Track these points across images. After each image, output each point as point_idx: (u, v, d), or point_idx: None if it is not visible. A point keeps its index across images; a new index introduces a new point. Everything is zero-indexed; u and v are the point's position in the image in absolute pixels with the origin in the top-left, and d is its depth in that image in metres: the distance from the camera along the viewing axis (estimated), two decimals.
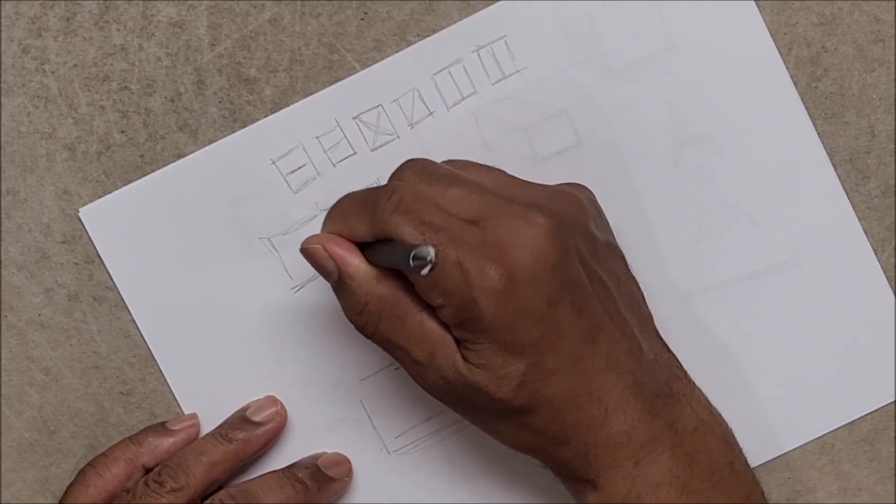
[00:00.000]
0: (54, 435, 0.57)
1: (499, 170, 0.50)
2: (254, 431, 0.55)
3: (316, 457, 0.56)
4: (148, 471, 0.55)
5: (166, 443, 0.55)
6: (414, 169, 0.47)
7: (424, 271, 0.42)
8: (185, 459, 0.54)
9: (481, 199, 0.46)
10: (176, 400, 0.57)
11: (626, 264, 0.51)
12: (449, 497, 0.57)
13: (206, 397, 0.56)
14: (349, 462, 0.56)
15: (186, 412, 0.57)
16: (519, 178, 0.50)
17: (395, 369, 0.56)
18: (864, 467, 0.57)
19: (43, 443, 0.57)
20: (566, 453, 0.47)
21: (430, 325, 0.47)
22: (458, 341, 0.46)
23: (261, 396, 0.56)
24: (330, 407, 0.57)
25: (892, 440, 0.57)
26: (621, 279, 0.50)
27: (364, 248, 0.48)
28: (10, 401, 0.57)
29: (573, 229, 0.47)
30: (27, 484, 0.57)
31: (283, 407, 0.56)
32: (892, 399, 0.57)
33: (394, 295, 0.47)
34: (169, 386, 0.56)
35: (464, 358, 0.46)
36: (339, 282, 0.48)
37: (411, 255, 0.42)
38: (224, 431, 0.55)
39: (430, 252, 0.42)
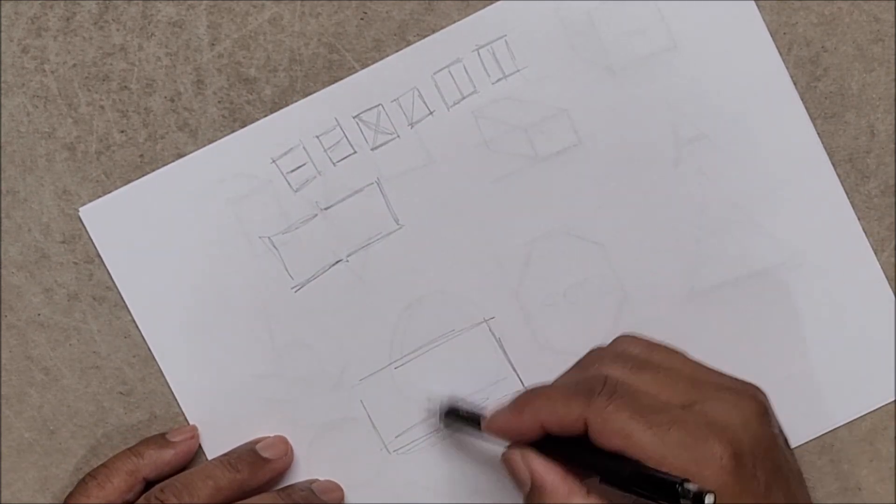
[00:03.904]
0: (54, 435, 0.57)
1: (679, 350, 0.51)
2: (262, 467, 0.55)
3: (310, 482, 0.56)
4: (148, 483, 0.55)
5: (167, 455, 0.55)
6: (614, 357, 0.49)
7: None
8: (191, 481, 0.54)
9: (689, 384, 0.47)
10: (176, 400, 0.56)
11: (797, 461, 0.51)
12: (449, 497, 0.57)
13: (206, 397, 0.56)
14: (342, 490, 0.57)
15: (186, 412, 0.56)
16: (701, 362, 0.50)
17: (395, 368, 0.56)
18: (864, 467, 0.57)
19: (43, 443, 0.57)
20: None
21: None
22: None
23: (268, 422, 0.57)
24: (330, 407, 0.57)
25: (892, 440, 0.57)
26: (799, 475, 0.50)
27: (578, 454, 0.48)
28: (10, 401, 0.57)
29: (773, 417, 0.48)
30: (27, 484, 0.57)
31: (291, 449, 0.56)
32: (892, 399, 0.57)
33: None
34: (169, 386, 0.56)
35: None
36: (532, 494, 0.48)
37: (685, 491, 0.42)
38: (233, 461, 0.55)
39: (710, 500, 0.42)
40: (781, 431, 0.49)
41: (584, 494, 0.47)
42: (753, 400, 0.47)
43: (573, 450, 0.48)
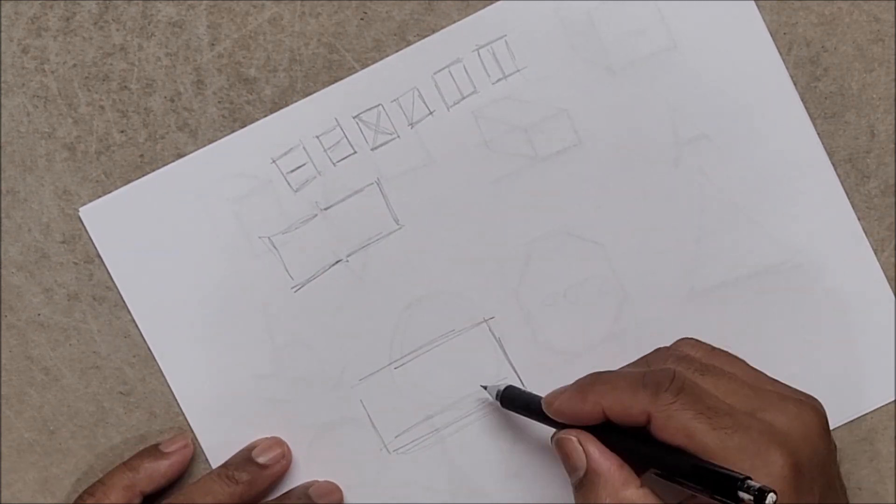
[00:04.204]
0: (54, 435, 0.57)
1: (740, 358, 0.51)
2: (259, 474, 0.55)
3: (307, 485, 0.56)
4: (146, 496, 0.55)
5: (162, 466, 0.55)
6: (679, 358, 0.49)
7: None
8: (191, 498, 0.54)
9: (753, 391, 0.48)
10: (176, 400, 0.56)
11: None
12: (449, 497, 0.57)
13: (206, 397, 0.56)
14: (340, 491, 0.57)
15: (186, 412, 0.56)
16: (761, 371, 0.50)
17: (395, 368, 0.56)
18: (864, 467, 0.57)
19: (43, 443, 0.57)
20: None
21: None
22: None
23: (267, 422, 0.57)
24: (330, 407, 0.57)
25: (892, 440, 0.57)
26: (846, 493, 0.51)
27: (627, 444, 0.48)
28: (10, 401, 0.57)
29: (829, 432, 0.48)
30: (27, 484, 0.57)
31: (288, 449, 0.56)
32: (892, 399, 0.57)
33: (638, 503, 0.47)
34: (169, 386, 0.56)
35: None
36: (585, 479, 0.48)
37: (747, 489, 0.43)
38: (230, 473, 0.55)
39: (772, 500, 0.42)
40: (835, 447, 0.49)
41: (637, 485, 0.47)
42: (815, 413, 0.47)
43: (628, 440, 0.48)
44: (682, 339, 0.52)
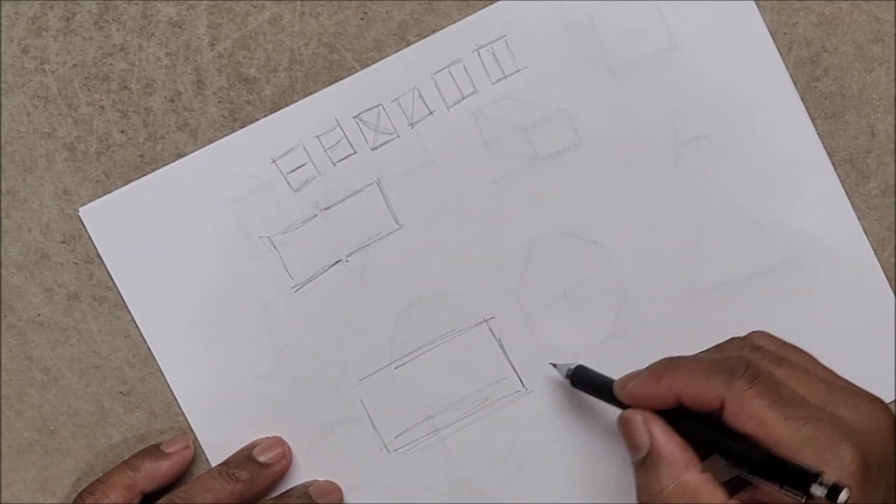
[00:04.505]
0: (54, 435, 0.57)
1: (810, 354, 0.51)
2: (259, 473, 0.55)
3: (307, 485, 0.56)
4: (146, 496, 0.55)
5: (163, 466, 0.55)
6: (754, 348, 0.49)
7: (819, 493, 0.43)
8: (191, 495, 0.54)
9: (825, 386, 0.48)
10: (176, 400, 0.57)
11: None
12: (449, 497, 0.57)
13: (206, 397, 0.56)
14: (340, 491, 0.57)
15: (186, 412, 0.56)
16: (831, 369, 0.50)
17: (395, 369, 0.56)
18: None
19: (43, 443, 0.57)
20: None
21: None
22: None
23: (267, 422, 0.57)
24: (330, 407, 0.57)
25: None
26: None
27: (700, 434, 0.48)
28: (10, 401, 0.57)
29: None
30: (27, 484, 0.57)
31: (289, 449, 0.56)
32: (893, 399, 0.57)
33: (698, 487, 0.47)
34: (169, 386, 0.56)
35: None
36: (647, 459, 0.48)
37: (821, 483, 0.43)
38: (231, 470, 0.55)
39: (845, 496, 0.42)
40: None
41: (700, 469, 0.47)
42: (887, 411, 0.47)
43: (697, 425, 0.48)
44: (755, 331, 0.52)
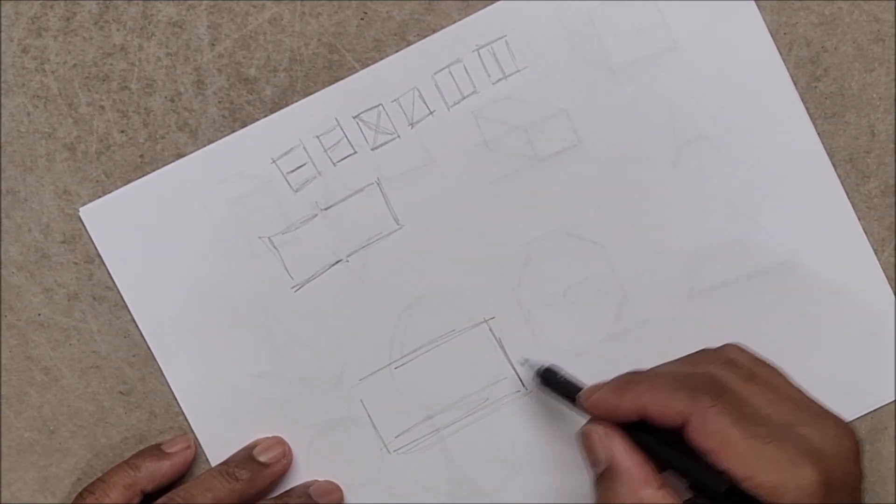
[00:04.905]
0: (54, 435, 0.57)
1: (783, 371, 0.50)
2: (259, 473, 0.55)
3: (307, 485, 0.56)
4: (146, 495, 0.55)
5: (164, 466, 0.55)
6: (724, 362, 0.48)
7: None
8: (191, 494, 0.54)
9: (794, 405, 0.47)
10: (176, 400, 0.57)
11: None
12: (449, 497, 0.57)
13: (206, 397, 0.56)
14: (341, 490, 0.57)
15: (186, 412, 0.56)
16: (802, 387, 0.50)
17: (395, 369, 0.56)
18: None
19: (43, 443, 0.57)
20: None
21: None
22: None
23: (267, 422, 0.57)
24: (330, 407, 0.57)
25: (892, 440, 0.57)
26: None
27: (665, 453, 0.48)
28: (10, 401, 0.57)
29: (862, 458, 0.48)
30: (27, 484, 0.57)
31: (289, 449, 0.56)
32: (892, 399, 0.57)
33: (656, 503, 0.47)
34: (169, 386, 0.56)
35: None
36: (605, 474, 0.48)
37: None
38: (231, 470, 0.55)
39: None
40: (864, 476, 0.49)
41: (658, 485, 0.47)
42: (853, 435, 0.47)
43: (659, 443, 0.48)
44: (729, 343, 0.52)
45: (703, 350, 0.51)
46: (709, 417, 0.45)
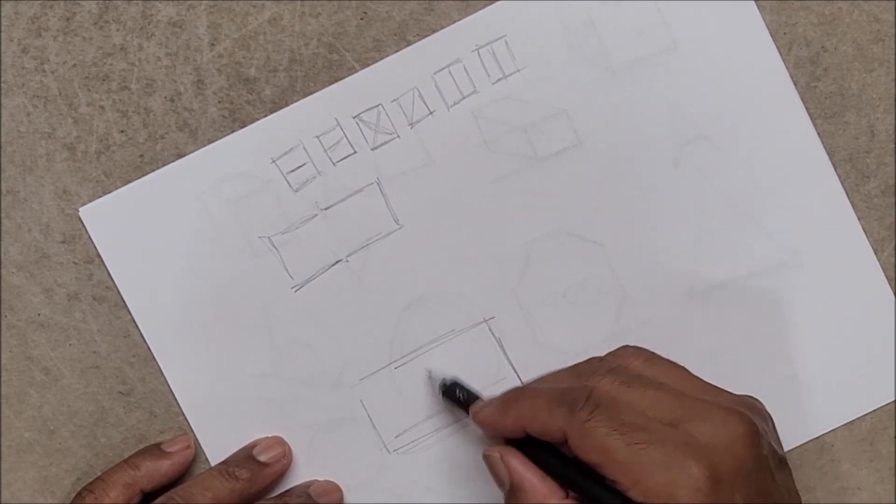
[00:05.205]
0: (54, 435, 0.57)
1: (680, 367, 0.50)
2: (259, 472, 0.55)
3: (307, 484, 0.56)
4: (146, 494, 0.55)
5: (164, 466, 0.55)
6: (608, 370, 0.48)
7: None
8: (191, 493, 0.54)
9: (679, 402, 0.47)
10: (176, 400, 0.56)
11: (793, 480, 0.51)
12: (449, 497, 0.57)
13: (206, 397, 0.56)
14: (341, 490, 0.57)
15: (186, 412, 0.56)
16: (701, 379, 0.50)
17: (395, 368, 0.56)
18: (863, 467, 0.57)
19: (42, 443, 0.57)
20: None
21: None
22: None
23: (267, 422, 0.57)
24: (330, 407, 0.57)
25: (892, 440, 0.57)
26: (791, 495, 0.50)
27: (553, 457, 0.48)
28: (10, 401, 0.57)
29: (763, 439, 0.48)
30: (27, 484, 0.57)
31: (289, 449, 0.56)
32: (892, 399, 0.57)
33: None
34: (169, 386, 0.56)
35: None
36: (511, 493, 0.49)
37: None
38: (231, 469, 0.55)
39: None
40: (774, 453, 0.48)
41: (562, 496, 0.47)
42: (742, 420, 0.46)
43: (552, 457, 0.48)
44: (623, 346, 0.52)
45: (591, 358, 0.51)
46: (586, 432, 0.46)
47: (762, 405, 0.50)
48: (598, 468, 0.46)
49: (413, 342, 0.56)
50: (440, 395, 0.55)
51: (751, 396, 0.50)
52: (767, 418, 0.49)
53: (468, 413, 0.53)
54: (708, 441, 0.45)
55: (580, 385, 0.48)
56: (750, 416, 0.47)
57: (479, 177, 0.56)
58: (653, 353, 0.51)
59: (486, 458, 0.50)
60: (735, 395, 0.49)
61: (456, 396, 0.54)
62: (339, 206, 0.56)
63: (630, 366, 0.49)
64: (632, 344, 0.52)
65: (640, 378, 0.48)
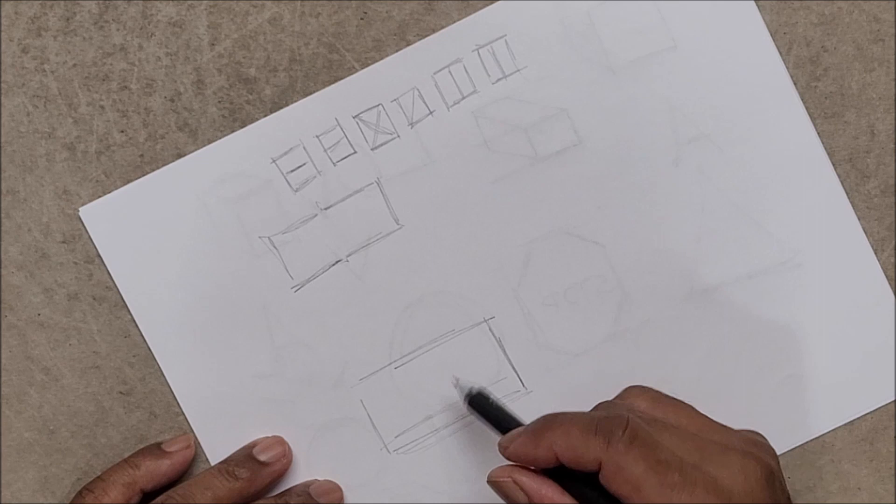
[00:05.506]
0: (54, 435, 0.57)
1: (688, 405, 0.50)
2: (259, 472, 0.55)
3: (307, 484, 0.56)
4: (146, 494, 0.55)
5: (164, 465, 0.55)
6: (629, 409, 0.48)
7: None
8: (190, 492, 0.54)
9: (695, 444, 0.47)
10: (176, 400, 0.56)
11: None
12: (449, 497, 0.57)
13: (206, 397, 0.56)
14: (340, 490, 0.57)
15: (186, 412, 0.56)
16: (708, 417, 0.50)
17: (395, 368, 0.56)
18: (864, 467, 0.57)
19: (43, 443, 0.57)
20: None
21: None
22: None
23: (267, 422, 0.57)
24: (330, 407, 0.57)
25: (892, 440, 0.57)
26: None
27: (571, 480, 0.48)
28: (10, 401, 0.57)
29: (777, 480, 0.48)
30: (27, 484, 0.57)
31: (289, 449, 0.56)
32: (892, 399, 0.57)
33: None
34: (169, 386, 0.56)
35: None
36: None
37: None
38: (231, 468, 0.55)
39: None
40: (784, 491, 0.49)
41: None
42: (759, 464, 0.47)
43: (581, 486, 0.48)
44: (629, 387, 0.52)
45: (599, 403, 0.51)
46: (623, 465, 0.46)
47: (766, 440, 0.50)
48: (626, 500, 0.46)
49: (413, 342, 0.56)
50: (465, 404, 0.54)
51: (753, 431, 0.50)
52: (774, 455, 0.50)
53: (492, 424, 0.52)
54: (731, 486, 0.46)
55: (615, 414, 0.48)
56: (765, 459, 0.48)
57: (480, 177, 0.56)
58: (658, 392, 0.51)
59: (496, 486, 0.49)
60: (741, 433, 0.49)
61: (484, 409, 0.53)
62: (339, 206, 0.56)
63: (642, 406, 0.50)
64: (637, 384, 0.52)
65: (658, 420, 0.48)
